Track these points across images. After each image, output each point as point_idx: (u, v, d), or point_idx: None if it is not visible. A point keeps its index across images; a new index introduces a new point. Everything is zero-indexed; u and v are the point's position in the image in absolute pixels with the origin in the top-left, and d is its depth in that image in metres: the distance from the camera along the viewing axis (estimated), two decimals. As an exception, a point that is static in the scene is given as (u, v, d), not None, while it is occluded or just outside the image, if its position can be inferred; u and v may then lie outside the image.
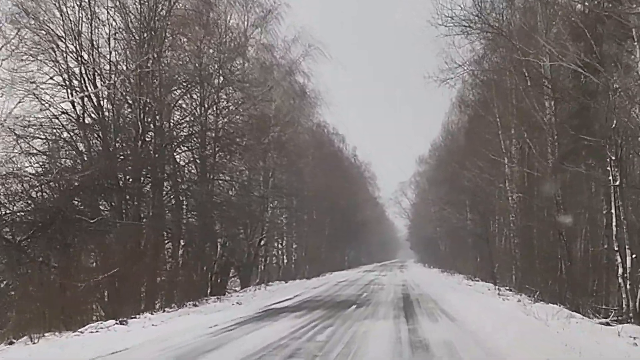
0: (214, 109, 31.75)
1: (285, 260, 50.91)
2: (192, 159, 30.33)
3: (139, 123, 25.03)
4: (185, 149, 29.81)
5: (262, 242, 40.99)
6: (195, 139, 29.90)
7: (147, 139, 26.19)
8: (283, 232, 49.84)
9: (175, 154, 28.80)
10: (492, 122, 38.06)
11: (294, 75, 48.21)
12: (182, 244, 28.29)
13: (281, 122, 43.37)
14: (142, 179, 26.00)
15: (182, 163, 29.80)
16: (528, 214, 37.49)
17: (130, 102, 25.31)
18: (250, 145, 33.89)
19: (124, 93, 24.99)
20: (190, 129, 29.61)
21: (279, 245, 50.23)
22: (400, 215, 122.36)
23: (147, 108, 25.35)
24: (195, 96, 30.10)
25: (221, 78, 30.75)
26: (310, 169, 54.68)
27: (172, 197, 28.53)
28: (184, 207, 29.33)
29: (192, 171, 30.46)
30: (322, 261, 66.93)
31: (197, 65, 28.76)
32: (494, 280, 40.13)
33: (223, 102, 32.73)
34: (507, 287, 32.14)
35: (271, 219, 43.38)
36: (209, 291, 30.16)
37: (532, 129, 31.55)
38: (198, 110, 30.25)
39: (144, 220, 25.41)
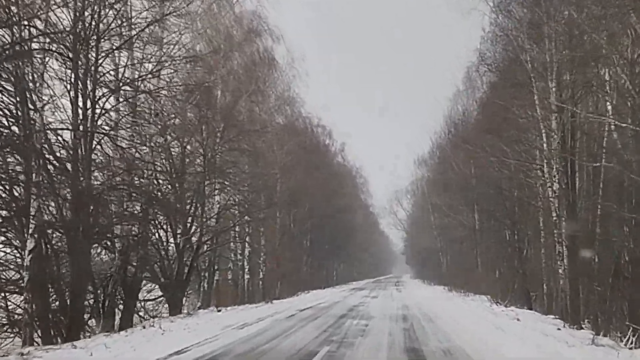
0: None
1: (248, 277, 39.14)
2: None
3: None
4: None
5: (203, 251, 29.37)
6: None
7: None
8: (244, 238, 38.20)
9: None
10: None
11: (260, 36, 37.10)
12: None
13: (234, 92, 32.14)
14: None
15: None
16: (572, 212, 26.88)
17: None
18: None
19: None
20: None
21: (238, 256, 38.49)
22: (395, 227, 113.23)
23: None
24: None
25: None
26: (281, 159, 43.20)
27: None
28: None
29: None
30: (302, 277, 55.30)
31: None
32: (529, 303, 28.64)
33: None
34: (574, 326, 20.52)
35: (221, 218, 31.80)
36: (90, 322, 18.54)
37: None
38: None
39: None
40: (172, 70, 23.34)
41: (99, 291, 20.63)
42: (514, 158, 31.08)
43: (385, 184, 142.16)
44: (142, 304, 26.29)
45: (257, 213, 35.20)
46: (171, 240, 26.52)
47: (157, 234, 25.97)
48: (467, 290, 41.74)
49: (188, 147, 27.09)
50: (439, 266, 72.70)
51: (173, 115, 25.56)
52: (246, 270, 39.15)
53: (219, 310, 24.70)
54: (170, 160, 26.00)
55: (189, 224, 26.79)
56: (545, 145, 28.08)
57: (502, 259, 39.92)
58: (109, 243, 21.24)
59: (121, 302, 22.33)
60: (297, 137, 50.58)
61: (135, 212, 22.10)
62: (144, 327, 17.97)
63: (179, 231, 26.51)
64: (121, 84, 20.88)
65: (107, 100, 19.82)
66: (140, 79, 22.05)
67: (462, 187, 52.51)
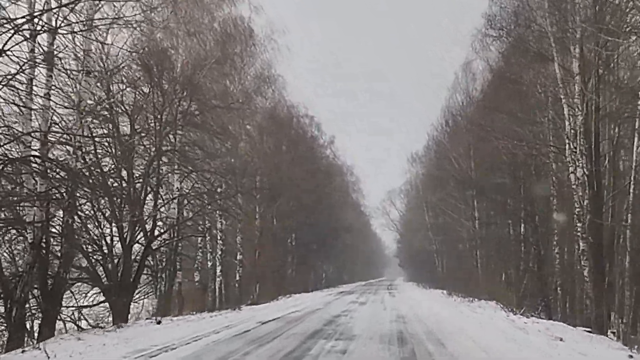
0: None
1: (220, 278, 34.31)
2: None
3: None
4: None
5: (157, 246, 24.54)
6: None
7: None
8: (216, 234, 33.42)
9: None
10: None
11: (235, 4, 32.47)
12: None
13: (199, 61, 27.35)
14: None
15: None
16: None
17: None
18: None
19: None
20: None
21: (209, 255, 33.66)
22: (388, 228, 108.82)
23: None
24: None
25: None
26: (261, 147, 38.50)
27: None
28: None
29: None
30: (287, 279, 50.51)
31: None
32: (547, 311, 23.93)
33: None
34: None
35: (184, 209, 27.00)
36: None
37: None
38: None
39: None
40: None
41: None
42: (528, 141, 26.54)
43: (378, 185, 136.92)
44: (79, 311, 21.52)
45: (226, 203, 30.19)
46: (117, 234, 21.64)
47: (97, 225, 21.09)
48: (469, 294, 37.09)
49: (139, 118, 22.22)
50: (435, 269, 68.43)
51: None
52: (218, 271, 34.33)
53: (159, 322, 19.67)
54: (115, 133, 21.16)
55: (138, 214, 21.86)
56: (567, 123, 23.58)
57: (509, 259, 35.33)
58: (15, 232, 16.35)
59: (38, 309, 17.48)
60: (280, 124, 45.85)
61: (57, 194, 17.18)
62: (23, 352, 12.95)
63: (125, 223, 21.65)
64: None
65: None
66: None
67: (462, 181, 48.20)
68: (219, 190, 28.95)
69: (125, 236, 21.52)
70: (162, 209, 25.13)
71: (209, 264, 33.75)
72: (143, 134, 22.40)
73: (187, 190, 26.94)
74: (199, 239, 30.91)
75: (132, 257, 22.26)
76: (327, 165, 65.85)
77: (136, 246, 22.90)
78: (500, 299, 31.02)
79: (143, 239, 22.93)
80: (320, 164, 60.10)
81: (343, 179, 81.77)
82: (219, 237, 34.42)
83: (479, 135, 37.52)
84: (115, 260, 21.48)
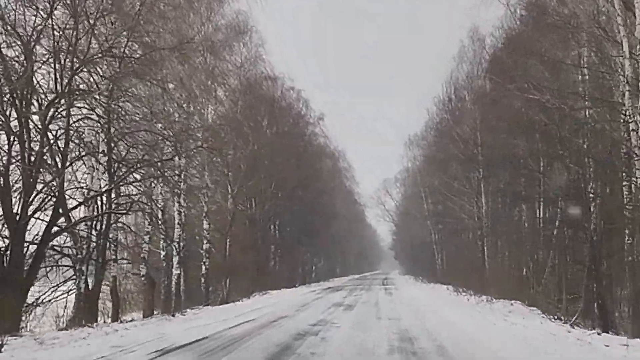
0: None
1: (177, 272, 28.00)
2: None
3: None
4: None
5: (66, 226, 18.15)
6: None
7: None
8: (173, 216, 27.10)
9: None
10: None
11: None
12: None
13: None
14: None
15: None
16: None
17: None
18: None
19: None
20: None
21: (162, 243, 27.31)
22: (383, 219, 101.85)
23: None
24: None
25: None
26: (230, 110, 32.18)
27: None
28: None
29: None
30: (269, 273, 44.15)
31: None
32: (604, 320, 17.57)
33: None
34: None
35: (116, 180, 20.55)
36: None
37: None
38: None
39: None
40: None
41: None
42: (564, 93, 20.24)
43: (372, 176, 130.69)
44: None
45: (178, 175, 23.83)
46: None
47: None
48: (480, 291, 30.88)
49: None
50: (434, 261, 62.28)
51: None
52: (175, 263, 28.01)
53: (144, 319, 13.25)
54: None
55: (33, 178, 15.45)
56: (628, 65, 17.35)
57: (535, 249, 29.14)
58: None
59: None
60: (260, 94, 39.52)
61: None
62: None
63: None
64: None
65: None
66: None
67: (468, 160, 42.14)
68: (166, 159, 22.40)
69: (14, 209, 15.17)
70: (85, 178, 18.75)
71: (162, 253, 27.40)
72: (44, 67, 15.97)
73: (122, 155, 20.52)
74: (147, 222, 24.47)
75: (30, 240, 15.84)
76: (316, 145, 59.53)
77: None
78: (523, 298, 24.91)
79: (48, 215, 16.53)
80: (307, 142, 53.73)
81: (334, 163, 75.94)
82: (177, 221, 28.13)
83: (493, 99, 31.63)
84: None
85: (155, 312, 24.81)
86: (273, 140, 40.43)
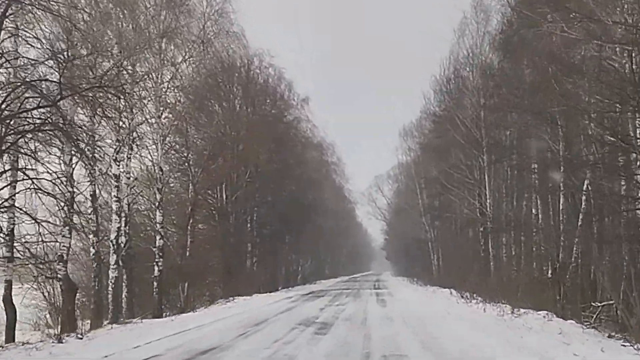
0: None
1: (115, 275, 22.11)
2: None
3: None
4: None
5: None
6: None
7: None
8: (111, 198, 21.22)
9: None
10: None
11: None
12: None
13: None
14: None
15: None
16: None
17: None
18: None
19: None
20: None
21: (91, 238, 21.40)
22: (374, 217, 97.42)
23: None
24: None
25: None
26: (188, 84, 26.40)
27: None
28: None
29: None
30: (244, 275, 38.13)
31: None
32: None
33: None
34: None
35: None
36: None
37: None
38: None
39: None
40: None
41: None
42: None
43: (367, 171, 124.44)
44: None
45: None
46: None
47: None
48: (489, 297, 25.14)
49: None
50: (430, 261, 56.81)
51: None
52: (112, 262, 22.11)
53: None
54: None
55: None
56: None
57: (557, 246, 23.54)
58: None
59: None
60: (232, 66, 33.70)
61: None
62: None
63: None
64: None
65: None
66: None
67: (471, 144, 37.10)
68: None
69: None
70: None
71: (92, 251, 21.49)
72: None
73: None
74: (62, 211, 18.41)
75: None
76: (301, 132, 53.89)
77: None
78: (550, 307, 19.23)
79: None
80: (290, 126, 48.01)
81: (322, 155, 70.21)
82: (114, 211, 22.28)
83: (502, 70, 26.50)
84: None
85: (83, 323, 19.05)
86: (248, 121, 34.57)
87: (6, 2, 14.59)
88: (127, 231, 23.48)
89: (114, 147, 22.20)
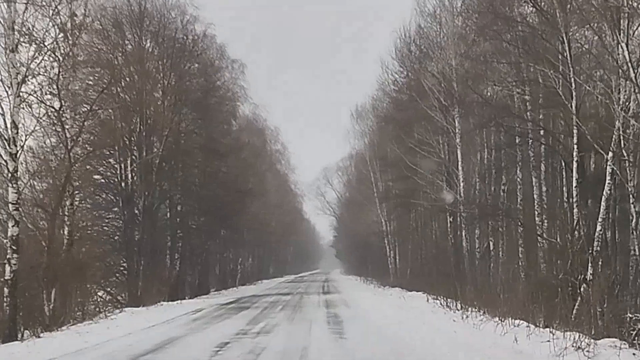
0: None
1: None
2: None
3: None
4: None
5: None
6: None
7: None
8: None
9: None
10: None
11: None
12: None
13: None
14: None
15: None
16: None
17: None
18: None
19: None
20: None
21: None
22: (323, 211, 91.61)
23: None
24: None
25: None
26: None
27: None
28: None
29: None
30: (155, 275, 29.68)
31: None
32: None
33: None
34: None
35: None
36: None
37: None
38: None
39: None
40: None
41: None
42: None
43: (312, 165, 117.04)
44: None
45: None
46: None
47: None
48: (474, 306, 17.59)
49: None
50: (386, 259, 49.76)
51: None
52: None
53: None
54: None
55: None
56: None
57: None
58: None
59: None
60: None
61: None
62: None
63: None
64: None
65: None
66: None
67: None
68: None
69: None
70: None
71: None
72: None
73: None
74: None
75: None
76: (236, 108, 46.23)
77: None
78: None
79: None
80: (223, 99, 40.27)
81: (264, 142, 63.26)
82: None
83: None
84: None
85: None
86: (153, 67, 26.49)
87: None
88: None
89: None
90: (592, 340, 10.89)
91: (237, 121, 48.35)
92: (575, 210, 18.46)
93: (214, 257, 47.72)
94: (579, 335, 11.09)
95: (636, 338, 12.49)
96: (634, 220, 16.00)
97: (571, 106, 18.39)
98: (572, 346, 10.61)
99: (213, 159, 36.94)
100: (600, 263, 16.44)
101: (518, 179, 26.17)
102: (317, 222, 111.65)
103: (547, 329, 13.18)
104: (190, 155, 35.15)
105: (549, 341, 11.14)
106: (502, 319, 15.00)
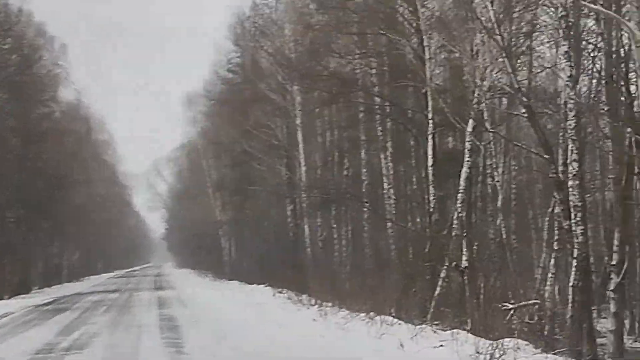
0: None
1: None
2: None
3: None
4: None
5: None
6: None
7: None
8: None
9: None
10: None
11: None
12: None
13: None
14: None
15: None
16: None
17: None
18: None
19: None
20: None
21: None
22: (154, 204, 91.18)
23: None
24: None
25: None
26: None
27: None
28: None
29: None
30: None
31: None
32: None
33: None
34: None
35: None
36: None
37: None
38: None
39: None
40: None
41: None
42: None
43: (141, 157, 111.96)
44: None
45: None
46: None
47: None
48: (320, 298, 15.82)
49: None
50: (221, 251, 48.44)
51: None
52: None
53: None
54: None
55: None
56: None
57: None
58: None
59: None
60: None
61: None
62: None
63: None
64: None
65: None
66: None
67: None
68: None
69: None
70: None
71: None
72: None
73: None
74: None
75: None
76: (56, 93, 42.93)
77: None
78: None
79: None
80: (36, 77, 37.02)
81: (89, 130, 59.86)
82: None
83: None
84: None
85: None
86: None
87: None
88: None
89: None
90: (492, 342, 9.04)
91: (58, 106, 45.14)
92: (432, 191, 17.07)
93: (38, 252, 43.94)
94: (475, 339, 9.28)
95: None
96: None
97: (424, 77, 16.98)
98: (478, 352, 8.69)
99: (30, 144, 33.69)
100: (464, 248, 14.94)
101: (363, 162, 24.82)
102: (148, 215, 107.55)
103: (429, 327, 11.41)
104: (5, 140, 31.73)
105: (442, 345, 9.25)
106: (370, 317, 12.99)
